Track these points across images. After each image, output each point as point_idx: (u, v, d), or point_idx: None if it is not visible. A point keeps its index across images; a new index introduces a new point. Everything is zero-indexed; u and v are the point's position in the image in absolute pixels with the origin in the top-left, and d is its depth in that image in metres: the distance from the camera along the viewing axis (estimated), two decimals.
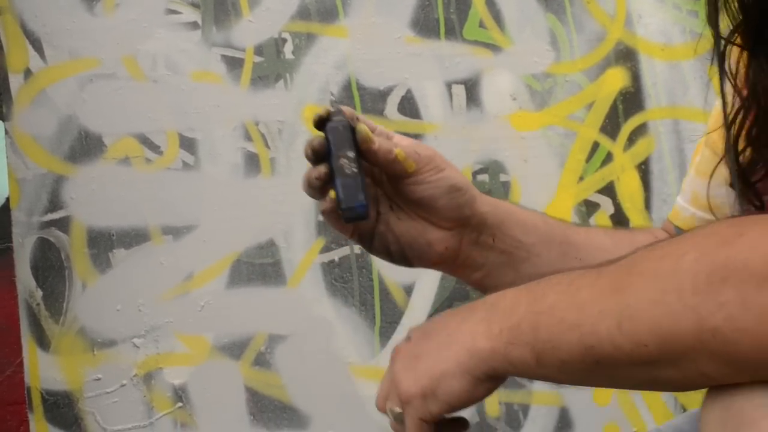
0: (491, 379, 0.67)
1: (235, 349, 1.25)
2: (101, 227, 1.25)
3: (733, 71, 0.80)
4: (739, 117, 0.80)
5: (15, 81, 1.21)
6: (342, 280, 1.29)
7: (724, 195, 0.88)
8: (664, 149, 1.39)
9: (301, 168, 0.74)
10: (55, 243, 1.23)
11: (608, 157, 1.37)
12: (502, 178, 1.34)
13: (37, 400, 1.20)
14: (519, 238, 0.83)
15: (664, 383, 0.63)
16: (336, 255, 1.30)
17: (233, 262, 1.27)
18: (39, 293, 1.22)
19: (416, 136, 1.25)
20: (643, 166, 1.39)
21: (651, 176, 1.39)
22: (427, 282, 1.31)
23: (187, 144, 1.26)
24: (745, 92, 0.79)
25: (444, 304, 1.28)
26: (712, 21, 0.81)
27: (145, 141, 1.26)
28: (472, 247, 0.81)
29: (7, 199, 1.19)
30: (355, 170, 0.78)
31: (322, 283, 1.29)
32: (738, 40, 0.80)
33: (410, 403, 0.68)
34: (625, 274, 0.66)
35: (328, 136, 0.78)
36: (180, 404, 1.23)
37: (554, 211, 1.36)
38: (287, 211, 1.29)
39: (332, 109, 0.80)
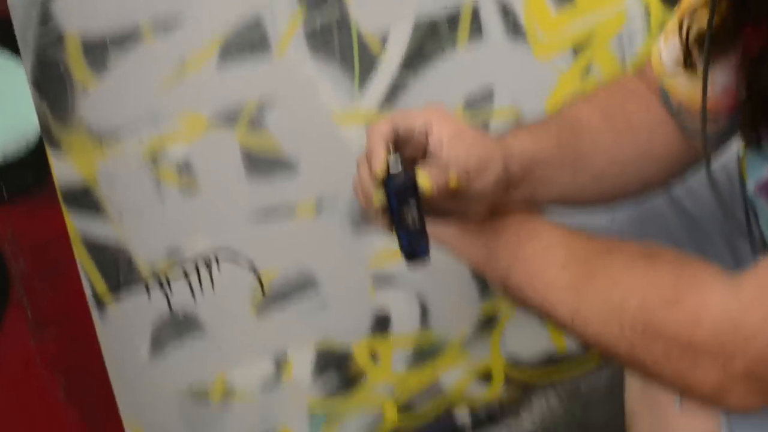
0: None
1: (229, 118, 1.41)
2: (94, 34, 1.31)
3: None
4: None
5: None
6: (323, 42, 1.43)
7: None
8: None
9: None
10: (52, 55, 1.28)
11: None
12: None
13: (57, 194, 1.32)
14: (538, 175, 1.06)
15: None
16: (318, 22, 1.43)
17: (222, 43, 1.38)
18: (44, 104, 1.29)
19: None
20: None
21: None
22: (401, 31, 1.49)
23: None
24: None
25: (415, 52, 1.50)
26: None
27: None
28: (502, 197, 1.03)
29: None
30: (418, 225, 0.94)
31: (305, 48, 1.43)
32: None
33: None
34: (584, 278, 0.92)
35: (390, 194, 0.93)
36: (184, 174, 1.40)
37: None
38: None
39: (392, 165, 0.93)
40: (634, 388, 1.07)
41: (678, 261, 0.88)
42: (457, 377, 1.73)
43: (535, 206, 1.08)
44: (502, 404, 1.77)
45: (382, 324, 1.64)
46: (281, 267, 1.53)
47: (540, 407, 1.76)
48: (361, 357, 1.64)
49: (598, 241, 0.96)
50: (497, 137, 1.04)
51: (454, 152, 0.96)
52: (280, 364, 1.58)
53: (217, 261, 1.48)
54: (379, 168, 0.93)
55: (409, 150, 0.99)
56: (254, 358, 1.56)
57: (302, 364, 1.60)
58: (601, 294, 0.89)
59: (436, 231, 1.05)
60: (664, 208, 1.31)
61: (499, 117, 1.57)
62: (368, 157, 0.96)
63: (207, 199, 1.43)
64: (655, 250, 0.92)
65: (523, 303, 0.99)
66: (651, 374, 0.89)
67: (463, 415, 1.73)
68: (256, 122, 1.42)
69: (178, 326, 1.49)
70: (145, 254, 1.43)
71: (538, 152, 1.04)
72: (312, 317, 1.57)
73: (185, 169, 1.40)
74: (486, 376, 1.76)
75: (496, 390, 1.77)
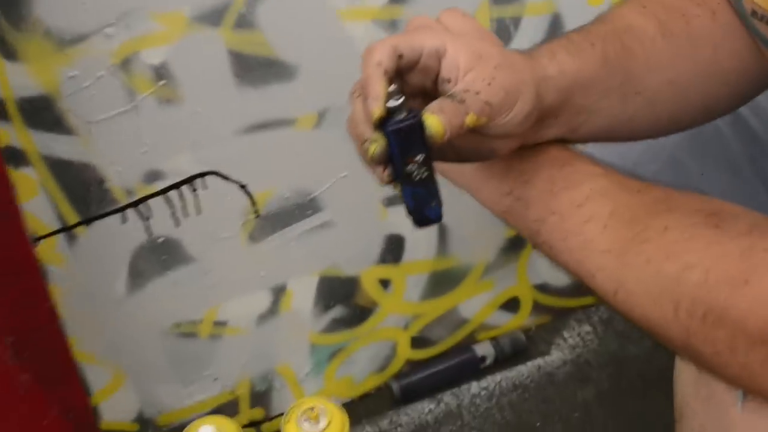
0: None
1: (214, 16, 1.21)
2: None
3: None
4: None
5: None
6: None
7: None
8: None
9: None
10: None
11: None
12: None
13: (13, 109, 1.15)
14: (579, 103, 0.87)
15: None
16: None
17: None
18: None
19: None
20: None
21: None
22: None
23: None
24: None
25: None
26: None
27: None
28: (534, 134, 0.85)
29: None
30: (425, 175, 0.76)
31: None
32: None
33: None
34: (632, 242, 0.76)
35: (391, 140, 0.75)
36: (163, 81, 1.21)
37: None
38: None
39: (392, 103, 0.75)
40: (686, 377, 0.89)
41: (753, 227, 0.71)
42: (479, 306, 1.58)
43: (571, 142, 0.91)
44: (529, 337, 1.63)
45: (394, 249, 1.48)
46: (278, 187, 1.35)
47: (571, 340, 1.61)
48: (370, 285, 1.49)
49: (650, 194, 0.79)
50: (527, 55, 0.85)
51: (474, 80, 0.77)
52: (279, 295, 1.43)
53: (204, 180, 1.31)
54: (376, 106, 0.75)
55: (416, 79, 0.80)
56: (248, 289, 1.41)
57: (303, 295, 1.45)
58: (651, 264, 0.73)
59: (450, 170, 0.88)
60: (724, 126, 1.13)
61: (533, 12, 1.39)
62: (363, 90, 0.77)
63: (189, 110, 1.24)
64: (721, 208, 0.75)
65: (557, 264, 0.83)
66: (710, 367, 0.73)
67: (485, 348, 1.59)
68: (245, 20, 1.22)
69: (160, 256, 1.33)
70: (119, 174, 1.25)
71: (580, 73, 0.86)
72: (314, 242, 1.41)
73: (163, 75, 1.22)
74: (512, 306, 1.61)
75: (523, 319, 1.63)
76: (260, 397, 1.52)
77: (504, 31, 1.38)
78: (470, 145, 0.82)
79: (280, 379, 1.51)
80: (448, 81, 0.79)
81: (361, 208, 1.42)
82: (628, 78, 0.89)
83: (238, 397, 1.50)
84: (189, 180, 1.30)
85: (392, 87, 0.75)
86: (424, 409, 1.56)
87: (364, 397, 1.58)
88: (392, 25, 1.31)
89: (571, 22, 1.40)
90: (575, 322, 1.64)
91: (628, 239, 0.75)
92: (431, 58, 0.79)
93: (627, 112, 0.90)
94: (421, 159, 0.75)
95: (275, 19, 1.25)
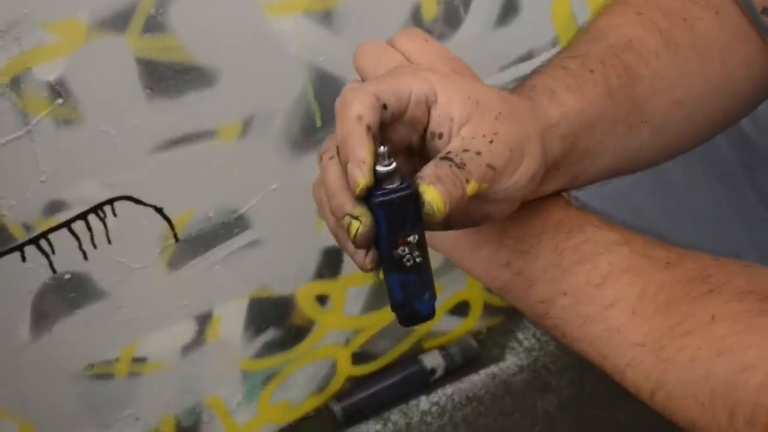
0: None
1: (117, 21, 1.08)
2: None
3: None
4: None
5: None
6: None
7: None
8: None
9: None
10: None
11: None
12: None
13: None
14: (583, 148, 0.78)
15: None
16: None
17: None
18: None
19: None
20: None
21: None
22: None
23: None
24: None
25: None
26: None
27: None
28: (532, 192, 0.75)
29: None
30: (418, 260, 0.65)
31: None
32: None
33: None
34: (671, 334, 0.68)
35: (378, 215, 0.64)
36: (60, 100, 1.09)
37: None
38: None
39: (380, 169, 0.64)
40: None
41: None
42: None
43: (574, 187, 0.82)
44: (480, 341, 1.56)
45: (332, 262, 1.38)
46: (199, 207, 1.24)
47: (527, 342, 1.55)
48: (306, 303, 1.39)
49: (683, 268, 0.69)
50: (524, 96, 0.74)
51: (472, 136, 0.67)
52: (204, 324, 1.33)
53: (113, 207, 1.20)
54: (362, 173, 0.63)
55: (399, 134, 0.69)
56: (169, 320, 1.30)
57: (232, 320, 1.35)
58: (698, 364, 0.64)
59: (430, 236, 0.72)
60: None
61: None
62: (342, 152, 0.65)
63: (93, 131, 1.13)
64: None
65: (572, 349, 0.75)
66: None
67: (434, 359, 1.51)
68: (155, 23, 1.10)
69: (67, 294, 1.21)
70: (14, 208, 1.13)
71: (584, 114, 0.75)
72: (242, 263, 1.31)
73: (61, 93, 1.09)
74: (461, 309, 1.54)
75: (473, 322, 1.56)
76: None
77: (453, 14, 1.29)
78: (459, 211, 0.69)
79: (209, 412, 1.41)
80: (440, 136, 0.68)
81: (294, 223, 1.32)
82: (634, 106, 0.80)
83: None
84: (96, 208, 1.18)
85: (382, 148, 0.63)
86: (370, 430, 1.47)
87: (303, 421, 1.49)
88: (326, 18, 1.20)
89: (527, 4, 1.33)
90: (529, 321, 1.57)
91: (666, 330, 0.67)
92: (419, 108, 0.68)
93: (633, 145, 0.81)
94: (415, 240, 0.64)
95: (190, 20, 1.13)
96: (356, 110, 0.65)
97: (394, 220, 0.64)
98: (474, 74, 0.77)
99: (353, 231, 0.64)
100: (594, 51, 0.82)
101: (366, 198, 0.64)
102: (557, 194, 0.78)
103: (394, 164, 0.64)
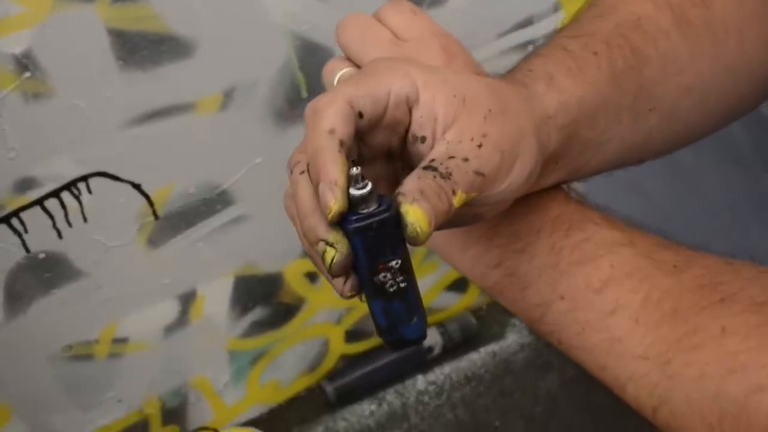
0: None
1: None
2: None
3: None
4: None
5: None
6: None
7: None
8: None
9: None
10: None
11: None
12: None
13: None
14: (585, 138, 0.73)
15: None
16: None
17: None
18: None
19: None
20: None
21: None
22: None
23: None
24: None
25: None
26: None
27: None
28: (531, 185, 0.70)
29: None
30: (402, 285, 0.60)
31: None
32: None
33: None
34: (678, 347, 0.63)
35: (355, 242, 0.59)
36: (27, 74, 1.06)
37: None
38: None
39: (354, 192, 0.59)
40: None
41: None
42: (422, 290, 1.44)
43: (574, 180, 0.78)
44: (480, 318, 1.53)
45: None
46: (179, 182, 1.21)
47: None
48: (295, 281, 1.36)
49: (692, 273, 0.65)
50: (518, 82, 0.69)
51: (459, 139, 0.62)
52: (188, 303, 1.30)
53: (87, 183, 1.17)
54: (334, 198, 0.58)
55: (378, 138, 0.64)
56: (150, 300, 1.28)
57: (217, 299, 1.32)
58: (707, 381, 0.60)
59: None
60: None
61: None
62: (313, 169, 0.60)
63: (64, 105, 1.10)
64: None
65: (569, 357, 0.71)
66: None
67: (431, 337, 1.48)
68: None
69: (42, 274, 1.19)
70: None
71: (585, 101, 0.70)
72: (226, 240, 1.28)
73: (28, 66, 1.06)
74: (459, 285, 1.50)
75: (473, 298, 1.53)
76: (173, 413, 1.39)
77: None
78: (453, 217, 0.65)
79: (195, 392, 1.39)
80: (422, 140, 0.63)
81: (280, 197, 1.26)
82: (641, 92, 0.75)
83: (147, 417, 1.37)
84: (70, 185, 1.15)
85: (354, 170, 0.58)
86: (364, 411, 1.44)
87: (294, 401, 1.46)
88: None
89: None
90: None
91: (672, 342, 0.62)
92: (399, 109, 0.63)
93: (640, 135, 0.76)
94: (398, 264, 0.59)
95: None
96: (328, 123, 0.60)
97: (372, 247, 0.59)
98: (466, 53, 0.72)
99: (328, 259, 0.59)
100: (599, 30, 0.76)
101: (340, 222, 0.59)
102: (556, 186, 0.73)
103: (369, 186, 0.59)
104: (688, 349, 0.61)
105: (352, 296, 0.62)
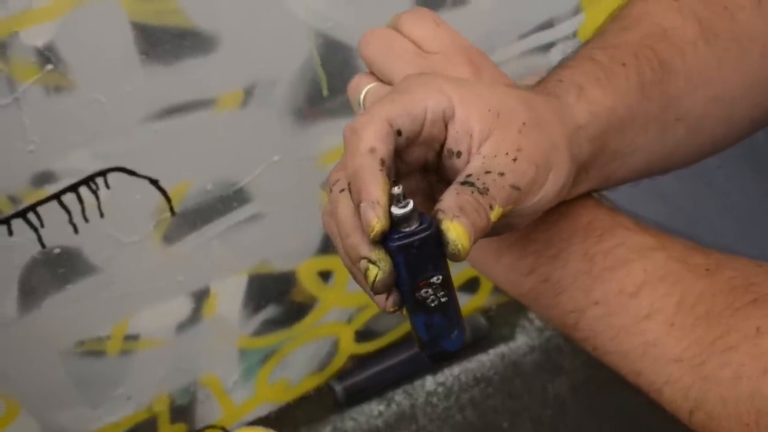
0: None
1: None
2: None
3: None
4: None
5: None
6: None
7: None
8: None
9: None
10: None
11: None
12: None
13: None
14: (614, 149, 0.73)
15: None
16: None
17: None
18: None
19: None
20: None
21: None
22: None
23: None
24: None
25: None
26: None
27: None
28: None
29: None
30: (443, 300, 0.62)
31: None
32: None
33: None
34: (712, 350, 0.64)
35: (397, 259, 0.60)
36: (49, 66, 1.05)
37: None
38: None
39: (396, 211, 0.59)
40: None
41: None
42: None
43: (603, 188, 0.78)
44: (489, 318, 1.53)
45: None
46: (196, 179, 1.21)
47: (538, 321, 1.51)
48: (308, 279, 1.36)
49: (724, 275, 0.65)
50: (550, 94, 0.69)
51: (495, 154, 0.62)
52: (201, 300, 1.30)
53: (105, 178, 1.17)
54: (376, 217, 0.59)
55: (414, 155, 0.64)
56: (164, 296, 1.28)
57: (230, 297, 1.32)
58: (743, 382, 0.60)
59: None
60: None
61: None
62: (353, 188, 0.61)
63: (85, 98, 1.10)
64: None
65: (603, 363, 0.72)
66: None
67: None
68: None
69: (56, 269, 1.19)
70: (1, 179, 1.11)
71: (615, 112, 0.71)
72: (241, 238, 1.28)
73: (50, 59, 1.06)
74: (470, 286, 1.51)
75: (483, 299, 1.53)
76: (182, 411, 1.39)
77: None
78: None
79: (204, 391, 1.39)
80: (458, 155, 0.63)
81: (296, 196, 1.28)
82: (668, 103, 0.75)
83: (156, 414, 1.37)
84: (88, 180, 1.15)
85: (396, 189, 0.59)
86: (373, 411, 1.45)
87: (302, 401, 1.46)
88: None
89: None
90: None
91: (707, 344, 0.63)
92: (435, 126, 0.63)
93: (667, 145, 0.76)
94: (439, 280, 0.60)
95: None
96: (368, 142, 0.61)
97: (414, 264, 0.60)
98: (492, 65, 0.72)
99: (371, 277, 0.59)
100: (626, 42, 0.77)
101: (382, 240, 0.60)
102: (586, 194, 0.73)
103: (411, 205, 0.59)
104: (722, 350, 0.62)
105: (394, 311, 0.62)
